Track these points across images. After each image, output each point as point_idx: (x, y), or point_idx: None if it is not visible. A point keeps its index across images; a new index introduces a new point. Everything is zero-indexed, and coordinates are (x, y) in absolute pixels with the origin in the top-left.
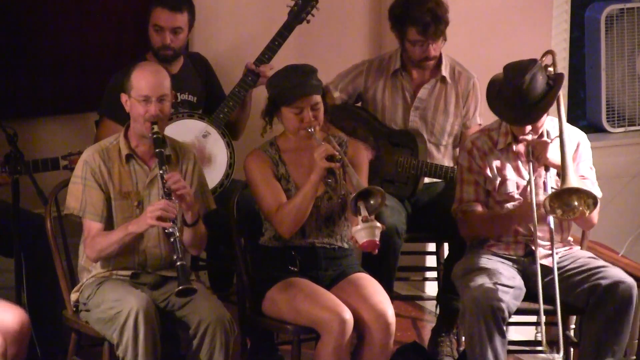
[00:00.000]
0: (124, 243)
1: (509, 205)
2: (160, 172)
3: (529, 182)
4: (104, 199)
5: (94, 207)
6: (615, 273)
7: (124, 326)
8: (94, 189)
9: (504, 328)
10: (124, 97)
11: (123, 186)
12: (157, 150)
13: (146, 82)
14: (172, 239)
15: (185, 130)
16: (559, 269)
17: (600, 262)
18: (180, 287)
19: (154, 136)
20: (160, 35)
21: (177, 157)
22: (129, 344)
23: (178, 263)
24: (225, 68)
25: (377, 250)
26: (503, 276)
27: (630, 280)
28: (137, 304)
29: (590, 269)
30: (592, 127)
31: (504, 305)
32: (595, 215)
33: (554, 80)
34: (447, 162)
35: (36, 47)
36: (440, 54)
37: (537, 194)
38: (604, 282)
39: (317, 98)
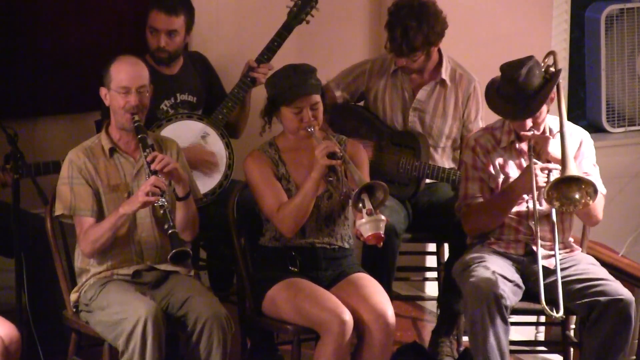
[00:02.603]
0: (117, 228)
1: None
2: (144, 154)
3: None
4: (93, 194)
5: (84, 203)
6: (615, 288)
7: (132, 334)
8: (82, 186)
9: (506, 315)
10: (103, 91)
11: (111, 179)
12: (139, 135)
13: (125, 74)
14: (161, 211)
15: (184, 131)
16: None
17: (600, 274)
18: (174, 251)
19: (136, 124)
20: (156, 37)
21: (160, 148)
22: (136, 351)
23: (170, 231)
24: (225, 68)
25: (381, 243)
26: (502, 269)
27: (628, 296)
28: (145, 311)
29: (589, 280)
30: (592, 127)
31: (505, 294)
32: (599, 210)
33: (552, 75)
34: (447, 164)
35: (36, 47)
36: (441, 57)
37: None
38: (603, 299)
39: (317, 97)
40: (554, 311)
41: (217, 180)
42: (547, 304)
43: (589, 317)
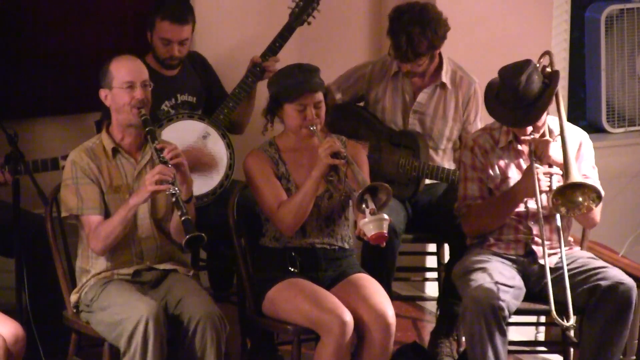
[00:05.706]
0: (128, 221)
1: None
2: (154, 145)
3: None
4: (100, 192)
5: (92, 202)
6: (615, 274)
7: (133, 334)
8: (88, 185)
9: (505, 327)
10: (103, 93)
11: (113, 180)
12: (148, 128)
13: (127, 69)
14: (173, 199)
15: (185, 131)
16: (559, 269)
17: (600, 263)
18: (188, 236)
19: (143, 117)
20: (168, 47)
21: None
22: (137, 351)
23: (183, 218)
24: (226, 69)
25: (385, 243)
26: (503, 276)
27: (629, 281)
28: (146, 311)
29: (590, 269)
30: (592, 127)
31: (504, 304)
32: (597, 213)
33: (550, 79)
34: (447, 165)
35: (36, 47)
36: (441, 59)
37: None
38: (603, 283)
39: (320, 96)
40: (564, 320)
41: (217, 180)
42: (542, 301)
43: (588, 303)
